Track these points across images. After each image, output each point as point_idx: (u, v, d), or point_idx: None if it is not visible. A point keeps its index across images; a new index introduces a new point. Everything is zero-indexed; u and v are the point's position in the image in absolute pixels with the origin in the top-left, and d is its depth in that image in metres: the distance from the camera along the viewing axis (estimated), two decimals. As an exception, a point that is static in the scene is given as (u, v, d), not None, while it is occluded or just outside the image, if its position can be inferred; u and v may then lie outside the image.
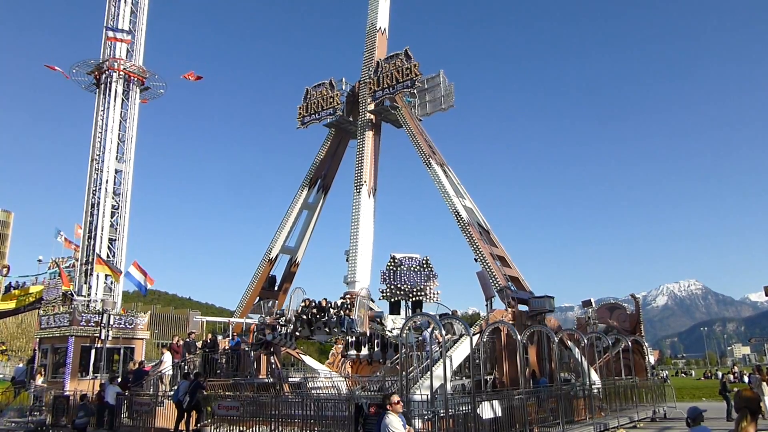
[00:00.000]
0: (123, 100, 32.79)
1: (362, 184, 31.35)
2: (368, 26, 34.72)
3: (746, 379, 34.88)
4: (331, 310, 24.00)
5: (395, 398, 9.61)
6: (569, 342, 25.03)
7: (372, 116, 33.10)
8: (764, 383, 24.03)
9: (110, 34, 32.39)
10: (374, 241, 31.49)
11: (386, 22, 35.07)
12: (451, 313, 23.53)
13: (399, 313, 25.77)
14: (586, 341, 23.29)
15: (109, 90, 32.16)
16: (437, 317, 19.84)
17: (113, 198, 31.44)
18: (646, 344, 29.60)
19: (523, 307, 24.71)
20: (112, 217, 31.22)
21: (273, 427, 17.92)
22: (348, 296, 25.98)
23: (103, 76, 32.39)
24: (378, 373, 24.14)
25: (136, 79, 33.23)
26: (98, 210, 30.82)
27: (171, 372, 24.54)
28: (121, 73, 32.52)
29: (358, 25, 36.44)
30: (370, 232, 31.16)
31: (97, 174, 31.46)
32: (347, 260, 30.12)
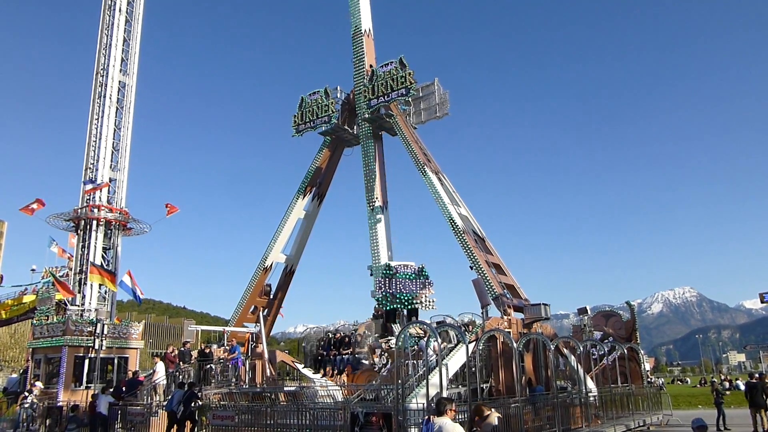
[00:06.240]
0: (105, 233, 31.39)
1: (374, 201, 31.95)
2: (352, 30, 34.74)
3: (742, 386, 34.90)
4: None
5: (454, 405, 8.63)
6: (565, 350, 24.97)
7: (372, 129, 33.44)
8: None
9: (87, 187, 31.03)
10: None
11: (370, 24, 35.15)
12: (446, 320, 23.49)
13: (395, 322, 25.79)
14: (581, 349, 23.28)
15: (89, 237, 30.73)
16: (433, 325, 19.80)
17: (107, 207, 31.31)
18: (642, 351, 29.60)
19: (518, 315, 24.69)
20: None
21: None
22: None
23: (82, 223, 30.92)
24: (374, 382, 24.05)
25: (117, 222, 31.77)
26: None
27: (164, 382, 24.40)
28: (101, 221, 31.05)
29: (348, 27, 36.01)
30: (387, 246, 31.81)
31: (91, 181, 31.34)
32: (371, 275, 30.45)
